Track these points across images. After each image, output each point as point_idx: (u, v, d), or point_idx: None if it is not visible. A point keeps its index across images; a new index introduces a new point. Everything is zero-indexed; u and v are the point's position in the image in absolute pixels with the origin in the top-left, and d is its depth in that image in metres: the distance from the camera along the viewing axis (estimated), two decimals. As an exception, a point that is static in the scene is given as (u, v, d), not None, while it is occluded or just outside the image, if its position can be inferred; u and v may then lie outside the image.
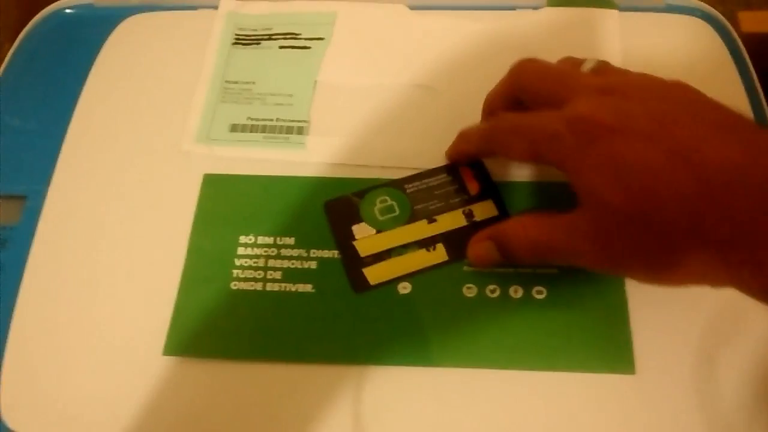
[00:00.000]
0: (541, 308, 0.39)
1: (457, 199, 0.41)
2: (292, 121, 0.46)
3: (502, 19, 0.49)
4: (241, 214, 0.42)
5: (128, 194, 0.43)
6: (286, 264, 0.40)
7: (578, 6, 0.49)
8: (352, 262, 0.39)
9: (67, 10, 0.53)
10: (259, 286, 0.40)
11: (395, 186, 0.41)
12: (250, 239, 0.41)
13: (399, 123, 0.45)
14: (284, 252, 0.41)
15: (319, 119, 0.46)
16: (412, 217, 0.40)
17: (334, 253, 0.40)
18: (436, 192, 0.41)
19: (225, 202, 0.42)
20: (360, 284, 0.39)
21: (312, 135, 0.45)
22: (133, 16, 0.52)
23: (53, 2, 0.54)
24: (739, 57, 0.48)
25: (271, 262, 0.40)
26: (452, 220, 0.40)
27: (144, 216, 0.42)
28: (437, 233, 0.40)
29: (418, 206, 0.41)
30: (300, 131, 0.45)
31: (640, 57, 0.47)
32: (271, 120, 0.46)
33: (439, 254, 0.39)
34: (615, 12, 0.48)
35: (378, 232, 0.40)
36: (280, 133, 0.45)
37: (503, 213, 0.40)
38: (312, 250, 0.41)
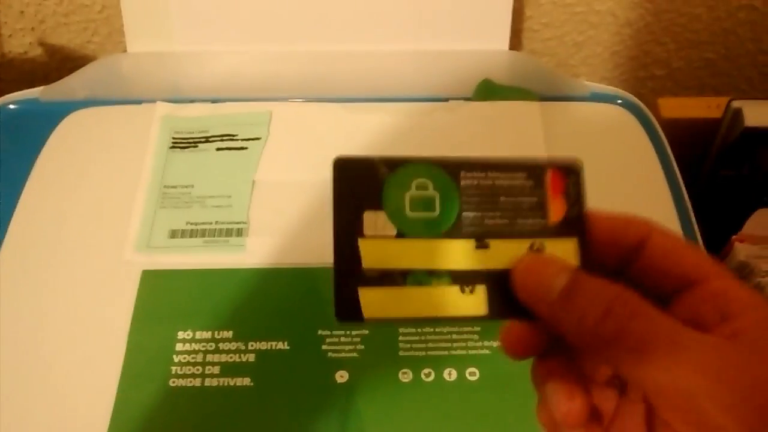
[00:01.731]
0: (474, 390, 0.43)
1: (528, 221, 0.29)
2: (232, 223, 0.51)
3: (433, 112, 0.56)
4: (180, 309, 0.47)
5: (68, 292, 0.48)
6: (224, 358, 0.45)
7: (502, 99, 0.56)
8: (346, 274, 0.28)
9: (12, 106, 0.60)
10: (197, 382, 0.44)
11: (446, 168, 0.29)
12: (188, 335, 0.46)
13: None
14: (222, 346, 0.45)
15: (258, 219, 0.51)
16: (455, 228, 0.28)
17: (272, 345, 0.45)
18: (502, 198, 0.29)
19: (163, 297, 0.47)
20: (346, 310, 0.28)
21: (251, 236, 0.50)
22: (77, 112, 0.58)
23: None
24: (658, 142, 0.56)
25: (210, 357, 0.45)
26: (511, 254, 0.28)
27: (84, 314, 0.47)
28: (484, 269, 0.28)
29: (470, 213, 0.28)
30: (239, 233, 0.51)
31: (563, 145, 0.54)
32: (211, 223, 0.51)
33: (476, 303, 0.28)
34: (536, 104, 0.56)
35: (399, 235, 0.28)
36: (220, 236, 0.51)
37: (585, 264, 0.29)
38: (250, 343, 0.45)
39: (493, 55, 0.61)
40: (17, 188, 0.53)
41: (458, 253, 0.28)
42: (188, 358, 0.45)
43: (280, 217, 0.51)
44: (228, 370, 0.45)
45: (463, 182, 0.28)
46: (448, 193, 0.28)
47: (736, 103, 0.56)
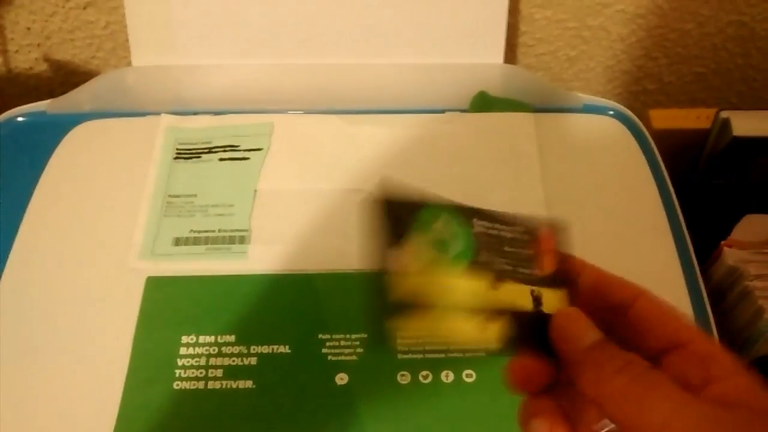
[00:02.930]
0: (471, 392, 0.44)
1: (526, 271, 0.31)
2: (234, 230, 0.52)
3: (430, 124, 0.57)
4: (183, 314, 0.48)
5: (75, 297, 0.49)
6: (227, 361, 0.46)
7: (497, 110, 0.58)
8: (378, 305, 0.29)
9: (20, 118, 0.61)
10: (201, 385, 0.45)
11: (462, 213, 0.31)
12: (192, 339, 0.47)
13: (336, 228, 0.52)
14: (225, 350, 0.46)
15: (259, 227, 0.52)
16: (472, 267, 0.30)
17: (274, 348, 0.46)
18: (506, 248, 0.31)
19: (167, 303, 0.48)
20: (377, 338, 0.29)
21: (253, 244, 0.52)
22: (83, 124, 0.59)
23: (6, 110, 0.61)
24: (650, 153, 0.57)
25: (213, 361, 0.46)
26: (518, 296, 0.31)
27: (90, 319, 0.48)
28: (498, 307, 0.30)
29: (483, 255, 0.30)
30: (242, 240, 0.52)
31: (557, 156, 0.55)
32: (213, 231, 0.52)
33: (492, 337, 0.30)
34: (531, 115, 0.57)
35: (423, 272, 0.30)
36: (223, 243, 0.52)
37: None
38: (252, 347, 0.46)
39: (488, 68, 0.63)
40: (25, 198, 0.54)
41: (475, 291, 0.30)
42: (192, 361, 0.46)
43: (281, 225, 0.52)
44: (231, 373, 0.46)
45: (475, 228, 0.31)
46: (465, 235, 0.30)
47: (724, 114, 0.57)
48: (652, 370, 0.27)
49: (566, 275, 0.32)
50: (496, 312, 0.30)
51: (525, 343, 0.30)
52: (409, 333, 0.29)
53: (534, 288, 0.31)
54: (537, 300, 0.31)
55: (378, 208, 0.30)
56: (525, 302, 0.30)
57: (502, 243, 0.31)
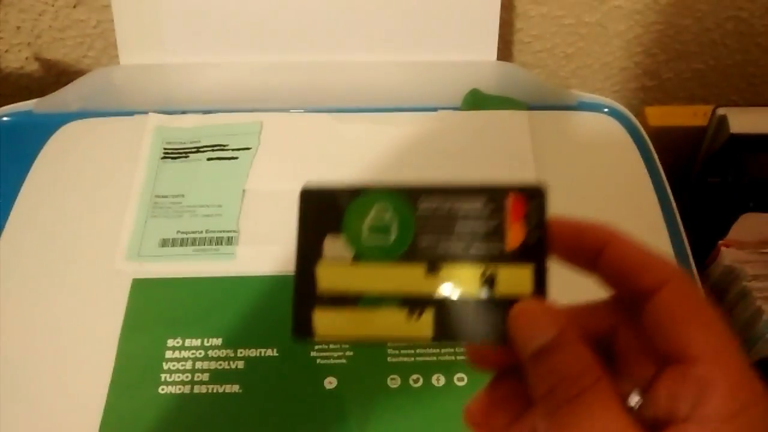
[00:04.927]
0: (463, 396, 0.43)
1: (483, 247, 0.29)
2: (222, 231, 0.51)
3: (422, 122, 0.57)
4: (169, 317, 0.47)
5: (60, 300, 0.48)
6: (213, 365, 0.45)
7: (490, 108, 0.57)
8: (303, 296, 0.29)
9: (5, 118, 0.60)
10: (187, 389, 0.44)
11: (405, 194, 0.30)
12: (178, 342, 0.46)
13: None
14: (212, 353, 0.45)
15: (248, 228, 0.52)
16: (409, 253, 0.29)
17: (261, 352, 0.45)
18: (459, 222, 0.29)
19: (153, 305, 0.48)
20: (301, 329, 0.29)
21: (241, 245, 0.51)
22: (70, 123, 0.58)
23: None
24: (646, 151, 0.56)
25: (199, 364, 0.45)
26: (462, 281, 0.29)
27: (75, 322, 0.47)
28: (433, 296, 0.29)
29: (425, 238, 0.29)
30: (229, 241, 0.51)
31: (551, 154, 0.54)
32: (201, 232, 0.52)
33: (423, 327, 0.29)
34: (524, 113, 0.56)
35: (356, 259, 0.29)
36: (210, 244, 0.51)
37: (539, 292, 0.29)
38: (239, 350, 0.45)
39: (481, 65, 0.62)
40: (11, 198, 0.53)
41: (409, 278, 0.29)
42: (178, 365, 0.45)
43: (270, 226, 0.51)
44: (217, 377, 0.45)
45: (421, 207, 0.29)
46: (405, 219, 0.29)
47: (721, 111, 0.56)
48: (595, 388, 0.25)
49: (536, 247, 0.29)
50: (431, 299, 0.29)
51: (456, 335, 0.29)
52: (334, 325, 0.29)
53: (488, 267, 0.29)
54: (489, 282, 0.29)
55: (309, 200, 0.29)
56: (471, 287, 0.29)
57: (454, 218, 0.29)
